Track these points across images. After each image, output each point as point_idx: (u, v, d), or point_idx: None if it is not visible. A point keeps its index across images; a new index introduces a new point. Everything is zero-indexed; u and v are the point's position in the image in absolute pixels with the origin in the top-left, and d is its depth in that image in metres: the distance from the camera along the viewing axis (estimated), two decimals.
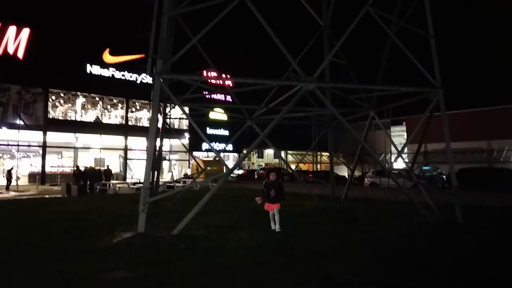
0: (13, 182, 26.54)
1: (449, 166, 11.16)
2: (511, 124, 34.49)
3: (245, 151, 9.98)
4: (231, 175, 36.21)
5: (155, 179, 14.39)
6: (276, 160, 49.19)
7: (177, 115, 32.75)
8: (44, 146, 31.34)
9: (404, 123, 45.33)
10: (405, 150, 34.40)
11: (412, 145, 30.94)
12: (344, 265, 5.77)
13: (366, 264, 5.91)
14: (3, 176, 29.85)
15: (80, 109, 34.81)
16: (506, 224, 9.95)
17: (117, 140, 35.55)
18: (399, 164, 29.04)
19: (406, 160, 15.64)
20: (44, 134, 31.20)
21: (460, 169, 19.92)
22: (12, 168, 27.01)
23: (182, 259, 6.24)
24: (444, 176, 23.76)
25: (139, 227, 7.87)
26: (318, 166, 45.30)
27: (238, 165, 11.09)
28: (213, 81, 25.06)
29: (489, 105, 38.82)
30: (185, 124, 39.97)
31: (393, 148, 33.05)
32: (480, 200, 13.80)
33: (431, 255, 6.51)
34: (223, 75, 20.04)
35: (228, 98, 38.41)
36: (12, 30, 29.44)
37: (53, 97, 33.56)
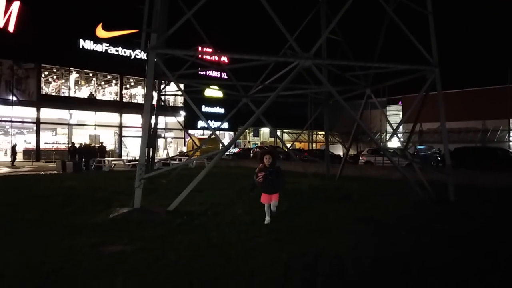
0: (8, 159, 26.53)
1: (444, 145, 11.23)
2: (506, 104, 34.59)
3: (240, 129, 9.93)
4: (227, 153, 36.40)
5: (150, 157, 14.41)
6: (272, 139, 49.25)
7: (172, 92, 32.50)
8: (38, 122, 31.10)
9: (400, 102, 45.35)
10: (400, 130, 34.56)
11: (407, 125, 31.07)
12: (338, 240, 5.86)
13: (359, 239, 6.01)
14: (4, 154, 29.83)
15: (73, 85, 34.40)
16: (496, 202, 10.11)
17: (112, 117, 35.32)
18: (394, 143, 29.18)
19: (401, 139, 15.73)
20: (38, 110, 30.90)
21: (454, 148, 20.08)
22: (15, 145, 27.08)
23: (177, 233, 6.31)
24: (438, 155, 23.94)
25: (135, 203, 7.92)
26: (314, 145, 45.46)
27: (233, 143, 11.05)
28: (208, 58, 24.75)
29: (485, 85, 38.84)
30: (180, 101, 39.74)
31: (388, 128, 33.14)
32: (473, 179, 13.96)
33: (423, 231, 6.63)
34: (219, 51, 19.76)
35: (224, 75, 38.09)
36: (2, 2, 28.70)
37: (46, 73, 33.09)
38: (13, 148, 26.46)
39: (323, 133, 22.60)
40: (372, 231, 6.68)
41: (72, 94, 33.91)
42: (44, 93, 32.19)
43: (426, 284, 4.14)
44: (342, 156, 23.73)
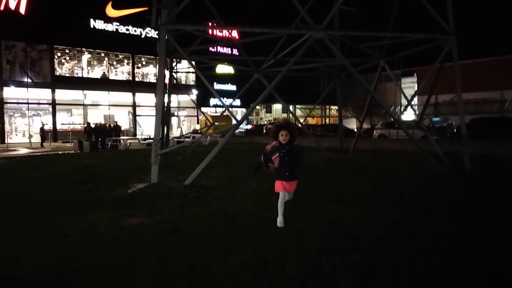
0: (25, 140, 27.26)
1: (459, 115, 11.06)
2: None
3: (252, 105, 9.93)
4: (240, 130, 36.45)
5: (165, 134, 14.58)
6: (285, 115, 49.04)
7: (183, 71, 32.43)
8: (53, 103, 31.56)
9: (415, 74, 44.35)
10: (415, 102, 33.98)
11: (422, 97, 30.49)
12: (352, 209, 5.93)
13: (372, 208, 6.07)
14: (16, 135, 30.55)
15: (86, 66, 34.62)
16: (510, 171, 10.00)
17: (125, 97, 35.60)
18: (409, 116, 28.79)
19: (416, 112, 15.50)
20: (53, 91, 31.31)
21: (471, 119, 19.74)
22: (43, 125, 27.79)
23: (194, 206, 6.46)
24: (454, 128, 23.57)
25: (152, 178, 8.09)
26: (327, 120, 45.15)
27: (245, 118, 11.07)
28: (219, 34, 24.48)
29: (502, 54, 37.56)
30: (192, 79, 39.71)
31: (403, 101, 32.63)
32: (489, 149, 13.78)
33: (437, 199, 6.65)
34: (230, 26, 19.53)
35: (235, 52, 37.75)
36: None
37: (59, 54, 33.31)
38: (42, 128, 27.28)
39: (336, 107, 22.35)
40: (387, 199, 6.72)
41: (85, 75, 34.18)
42: (58, 74, 32.51)
43: (440, 248, 4.20)
44: (356, 130, 23.57)
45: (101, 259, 4.00)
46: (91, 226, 5.29)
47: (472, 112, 28.91)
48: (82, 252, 4.26)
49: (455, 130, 22.16)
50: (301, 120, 17.61)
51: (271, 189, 7.45)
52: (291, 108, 44.65)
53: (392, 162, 12.33)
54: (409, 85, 45.06)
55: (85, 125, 26.34)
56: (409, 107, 12.09)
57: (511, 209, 6.00)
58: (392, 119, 24.51)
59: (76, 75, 33.91)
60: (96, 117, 32.19)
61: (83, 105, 33.78)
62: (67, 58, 34.24)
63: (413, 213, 5.70)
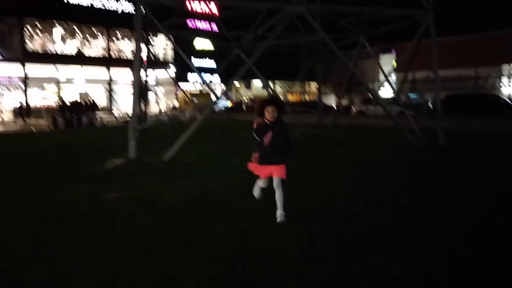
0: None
1: (435, 92, 11.28)
2: (498, 51, 34.28)
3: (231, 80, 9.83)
4: (221, 107, 36.14)
5: (142, 110, 14.33)
6: (264, 91, 48.85)
7: (161, 47, 31.69)
8: (25, 79, 30.39)
9: (393, 51, 44.65)
10: (393, 79, 34.35)
11: (401, 74, 30.79)
12: (330, 182, 6.05)
13: (350, 181, 6.21)
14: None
15: (59, 40, 33.30)
16: (484, 145, 10.34)
17: (101, 73, 34.60)
18: (387, 92, 29.16)
19: (394, 88, 15.71)
20: (24, 67, 30.10)
21: (446, 95, 20.17)
22: (21, 104, 27.05)
23: (173, 181, 6.45)
24: (431, 104, 24.07)
25: (130, 154, 7.98)
26: (306, 97, 45.26)
27: (224, 94, 10.94)
28: (198, 10, 23.89)
29: (477, 31, 38.11)
30: (170, 55, 38.85)
31: (382, 77, 32.93)
32: (464, 125, 14.17)
33: (412, 172, 6.85)
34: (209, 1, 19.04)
35: (215, 28, 37.03)
36: None
37: (29, 28, 31.85)
38: (21, 106, 26.58)
39: (316, 84, 22.38)
40: (364, 173, 6.88)
41: (58, 50, 32.92)
42: (29, 49, 31.18)
43: (415, 216, 4.36)
44: (334, 106, 23.75)
45: (80, 232, 3.98)
46: (69, 201, 5.22)
47: (448, 89, 29.46)
48: (60, 225, 4.22)
49: (431, 106, 22.65)
50: (281, 97, 17.61)
51: None
52: (271, 84, 44.44)
53: (369, 138, 12.55)
54: (388, 62, 45.39)
55: (59, 102, 25.58)
56: (387, 83, 12.22)
57: (479, 180, 6.24)
58: (370, 96, 24.80)
59: (48, 50, 32.62)
60: (70, 94, 31.23)
61: (57, 81, 32.68)
62: (38, 32, 32.79)
63: (388, 186, 5.86)
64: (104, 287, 2.81)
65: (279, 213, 4.20)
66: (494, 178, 6.39)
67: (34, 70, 30.86)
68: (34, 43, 32.59)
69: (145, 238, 3.78)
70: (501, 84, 36.76)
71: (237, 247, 3.50)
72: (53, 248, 3.57)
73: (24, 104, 28.25)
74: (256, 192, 4.74)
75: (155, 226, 4.13)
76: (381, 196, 5.26)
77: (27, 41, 31.17)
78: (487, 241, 3.60)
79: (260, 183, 4.62)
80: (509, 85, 36.10)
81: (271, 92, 22.79)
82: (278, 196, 4.24)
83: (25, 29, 30.85)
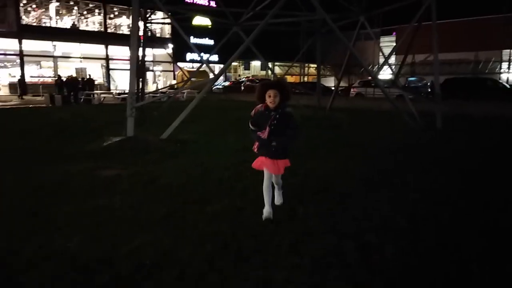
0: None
1: (434, 75, 11.24)
2: (499, 35, 34.00)
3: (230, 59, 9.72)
4: (218, 86, 35.86)
5: (140, 88, 14.23)
6: (263, 72, 48.46)
7: (159, 25, 31.13)
8: (21, 54, 29.98)
9: (394, 33, 44.21)
10: (393, 61, 34.11)
11: (400, 57, 30.60)
12: (326, 162, 6.09)
13: (346, 161, 6.25)
14: None
15: (54, 15, 32.71)
16: (481, 129, 10.39)
17: (98, 49, 34.13)
18: (386, 75, 29.03)
19: (393, 70, 15.64)
20: (20, 42, 29.63)
21: (445, 79, 20.09)
22: (19, 80, 26.84)
23: (171, 159, 6.47)
24: (429, 87, 24.00)
25: (127, 132, 7.98)
26: (306, 78, 44.95)
27: (223, 72, 10.87)
28: None
29: (478, 15, 37.70)
30: (167, 32, 38.30)
31: (381, 60, 32.68)
32: (462, 109, 14.17)
33: (408, 155, 6.89)
34: None
35: (212, 3, 36.44)
36: None
37: (25, 1, 31.23)
38: (20, 81, 26.44)
39: (315, 66, 22.19)
40: (360, 154, 6.92)
41: (54, 25, 32.37)
42: (24, 23, 30.64)
43: (409, 196, 4.42)
44: (333, 88, 23.65)
45: (77, 208, 4.01)
46: (66, 176, 5.24)
47: (447, 72, 29.34)
48: (58, 200, 4.25)
49: (429, 90, 22.58)
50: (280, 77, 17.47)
51: (247, 144, 7.48)
52: (270, 65, 44.05)
53: (367, 120, 12.56)
54: (388, 44, 44.98)
55: (56, 78, 25.33)
56: (387, 66, 12.15)
57: (474, 162, 6.30)
58: (369, 78, 24.67)
59: (44, 24, 32.06)
60: (67, 70, 30.87)
61: (53, 56, 32.26)
62: (34, 5, 32.17)
63: (384, 167, 5.91)
64: (102, 262, 2.85)
65: (277, 192, 4.05)
66: (489, 160, 6.45)
67: (30, 45, 30.40)
68: (30, 18, 32.04)
69: (142, 215, 3.83)
70: (501, 69, 36.60)
71: (233, 224, 3.55)
72: (49, 224, 3.61)
73: (22, 79, 27.91)
74: (266, 209, 3.72)
75: (152, 203, 4.17)
76: (376, 177, 5.31)
77: (22, 15, 30.62)
78: (479, 221, 3.67)
79: (265, 186, 3.75)
80: (508, 70, 35.95)
81: (270, 72, 22.63)
82: (277, 185, 3.99)
83: (20, 3, 30.25)
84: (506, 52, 35.57)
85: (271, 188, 3.78)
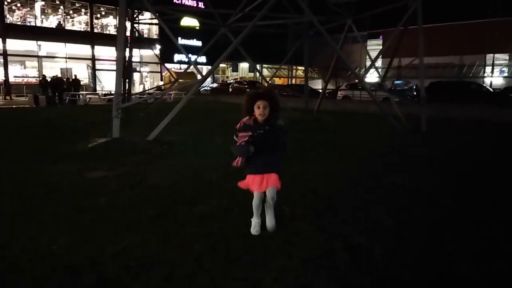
0: None
1: (420, 78, 11.42)
2: (483, 40, 34.72)
3: (218, 60, 9.70)
4: (206, 88, 35.75)
5: (126, 89, 14.10)
6: (251, 74, 48.52)
7: (146, 21, 30.92)
8: (4, 54, 29.42)
9: (381, 36, 44.77)
10: (379, 64, 34.54)
11: (386, 60, 31.00)
12: (314, 165, 6.12)
13: (333, 164, 6.30)
14: None
15: (40, 14, 32.21)
16: (464, 131, 10.58)
17: (83, 49, 33.73)
18: (372, 78, 29.36)
19: (380, 73, 15.85)
20: (3, 41, 29.10)
21: (430, 82, 20.42)
22: (5, 80, 26.22)
23: (158, 160, 6.43)
24: (415, 91, 24.35)
25: (113, 132, 7.89)
26: (293, 81, 45.20)
27: (210, 73, 10.85)
28: None
29: (463, 20, 38.49)
30: (155, 33, 38.08)
31: (368, 63, 33.04)
32: (446, 112, 14.42)
33: (394, 156, 6.98)
34: None
35: (201, 5, 36.36)
36: None
37: (9, 0, 30.71)
38: (5, 82, 25.97)
39: (303, 68, 22.31)
40: (348, 156, 6.98)
41: (39, 24, 31.88)
42: (8, 22, 30.10)
43: (396, 196, 4.47)
44: (321, 91, 23.81)
45: (63, 209, 3.95)
46: (51, 178, 5.16)
47: (432, 76, 29.84)
48: (44, 202, 4.17)
49: (415, 93, 22.91)
50: (268, 79, 17.53)
51: None
52: (258, 67, 44.13)
53: (354, 123, 12.68)
54: (375, 47, 45.53)
55: (41, 78, 24.92)
56: (373, 69, 12.29)
57: (458, 163, 6.41)
58: (356, 80, 24.93)
59: (29, 24, 31.54)
60: (52, 70, 30.44)
61: (38, 56, 31.74)
62: (18, 4, 31.63)
63: (372, 169, 5.97)
64: (88, 263, 2.81)
65: (270, 217, 3.44)
66: (472, 161, 6.57)
67: (14, 44, 29.88)
68: (14, 17, 31.50)
69: (129, 216, 3.79)
70: (484, 73, 37.37)
71: (222, 225, 3.54)
72: (35, 225, 3.54)
73: (7, 80, 27.41)
74: (254, 221, 3.47)
75: (140, 204, 4.13)
76: (363, 177, 5.36)
77: (6, 14, 30.09)
78: (468, 221, 3.73)
79: (254, 201, 3.45)
80: (492, 74, 36.73)
81: (258, 74, 22.68)
82: (270, 202, 3.39)
83: (5, 2, 29.72)
84: (490, 57, 36.37)
85: (260, 204, 3.46)
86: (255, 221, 3.45)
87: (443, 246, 3.19)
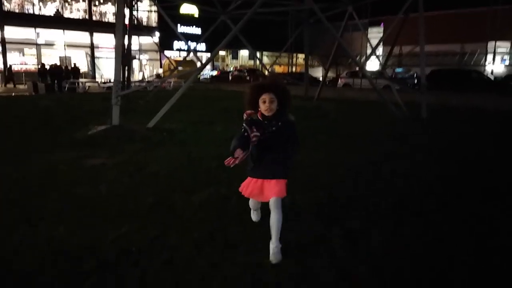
0: None
1: (420, 66, 11.35)
2: (485, 27, 34.40)
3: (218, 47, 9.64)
4: (206, 76, 35.59)
5: (126, 76, 14.03)
6: (251, 62, 48.20)
7: (145, 12, 30.66)
8: (3, 42, 29.20)
9: (382, 24, 44.34)
10: (380, 52, 34.29)
11: (387, 48, 30.80)
12: (313, 153, 6.12)
13: (333, 151, 6.30)
14: None
15: (37, 1, 31.87)
16: (464, 119, 10.56)
17: (82, 37, 33.45)
18: (373, 66, 29.18)
19: (381, 61, 15.76)
20: (1, 29, 28.84)
21: (431, 70, 20.30)
22: (11, 66, 26.06)
23: (158, 148, 6.43)
24: (415, 78, 24.24)
25: (113, 120, 7.88)
26: (294, 68, 44.93)
27: (210, 61, 10.80)
28: None
29: (465, 7, 38.08)
30: (154, 20, 37.73)
31: (369, 51, 32.83)
32: (447, 100, 14.37)
33: (394, 143, 6.98)
34: None
35: None
36: None
37: None
38: (9, 69, 25.71)
39: (303, 56, 22.14)
40: (348, 144, 6.98)
41: (37, 11, 31.55)
42: (6, 10, 29.79)
43: (395, 183, 4.49)
44: (321, 78, 23.70)
45: (63, 196, 3.96)
46: (51, 166, 5.16)
47: (433, 64, 29.63)
48: (43, 189, 4.18)
49: (416, 81, 22.81)
50: (268, 67, 17.45)
51: (235, 133, 7.52)
52: (258, 55, 43.88)
53: (354, 110, 12.64)
54: (376, 35, 45.11)
55: (39, 66, 24.78)
56: (374, 57, 12.21)
57: (457, 150, 6.41)
58: (357, 68, 24.81)
59: (27, 11, 31.22)
60: (51, 58, 30.23)
61: (36, 44, 31.51)
62: None
63: (372, 156, 5.97)
64: (89, 249, 2.83)
65: (273, 247, 2.72)
66: (473, 149, 6.57)
67: (12, 32, 29.64)
68: (12, 4, 31.15)
69: (128, 203, 3.80)
70: (486, 61, 37.11)
71: (220, 213, 3.55)
72: (35, 212, 3.55)
73: (12, 67, 27.22)
74: (254, 217, 3.32)
75: (139, 192, 4.14)
76: (363, 165, 5.37)
77: (4, 1, 29.77)
78: (468, 209, 3.75)
79: (252, 211, 3.26)
80: (493, 62, 36.48)
81: (259, 62, 22.51)
82: (274, 220, 2.73)
83: None
84: (491, 45, 36.06)
85: (259, 213, 3.27)
86: (253, 212, 3.30)
87: (442, 234, 3.21)
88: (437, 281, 2.51)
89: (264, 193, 2.83)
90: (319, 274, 2.57)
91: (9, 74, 25.17)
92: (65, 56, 32.58)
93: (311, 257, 2.77)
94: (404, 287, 2.47)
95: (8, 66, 26.17)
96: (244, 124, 2.76)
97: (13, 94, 19.15)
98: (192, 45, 35.85)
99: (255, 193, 2.90)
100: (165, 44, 35.58)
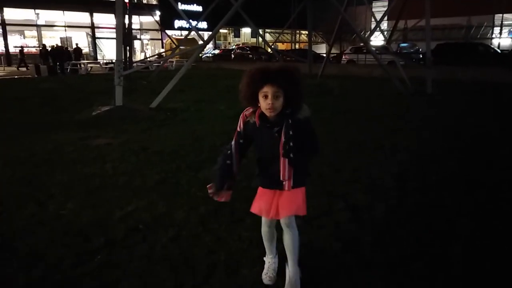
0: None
1: (426, 40, 11.16)
2: (491, 0, 33.53)
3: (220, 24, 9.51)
4: (208, 55, 35.24)
5: (128, 56, 13.94)
6: (254, 40, 47.56)
7: None
8: (3, 24, 28.96)
9: None
10: (385, 27, 33.67)
11: (392, 22, 30.19)
12: (317, 128, 6.09)
13: (336, 127, 6.29)
14: None
15: None
16: (470, 94, 10.45)
17: (82, 17, 33.10)
18: (378, 41, 28.70)
19: (385, 36, 15.48)
20: (1, 10, 28.56)
21: (436, 44, 19.95)
22: (22, 48, 25.88)
23: (162, 127, 6.45)
24: (421, 53, 23.84)
25: (116, 100, 7.88)
26: (297, 45, 44.35)
27: (211, 39, 10.68)
28: None
29: None
30: None
31: (373, 26, 32.23)
32: (452, 74, 14.19)
33: (397, 119, 6.95)
34: None
35: None
36: None
37: None
38: (21, 51, 25.52)
39: (306, 32, 21.81)
40: (352, 120, 6.96)
41: None
42: None
43: (397, 158, 4.50)
44: (325, 55, 23.39)
45: (70, 176, 4.01)
46: (57, 146, 5.21)
47: (439, 38, 29.11)
48: (50, 169, 4.23)
49: (421, 56, 22.44)
50: (271, 44, 17.22)
51: (238, 111, 7.49)
52: (260, 32, 43.20)
53: (358, 86, 12.54)
54: (380, 9, 44.19)
55: (41, 48, 24.62)
56: (379, 31, 11.99)
57: (461, 126, 6.38)
58: (361, 44, 24.44)
59: None
60: (52, 39, 30.01)
61: (36, 25, 31.24)
62: None
63: (375, 131, 5.96)
64: (97, 227, 2.88)
65: (291, 274, 2.14)
66: (478, 124, 6.53)
67: (12, 13, 29.36)
68: None
69: (135, 181, 3.84)
70: (492, 34, 36.38)
71: None
72: (42, 191, 3.61)
73: (23, 49, 27.12)
74: (267, 266, 2.34)
75: (145, 170, 4.18)
76: (367, 140, 5.37)
77: None
78: (467, 180, 3.76)
79: (264, 231, 2.32)
80: (500, 35, 35.76)
81: (261, 40, 22.18)
82: (289, 240, 2.16)
83: None
84: (498, 17, 35.25)
85: (273, 233, 2.31)
86: (267, 261, 2.34)
87: (443, 204, 3.23)
88: (439, 245, 2.54)
89: (273, 208, 2.11)
90: (324, 245, 2.61)
91: (21, 57, 25.00)
92: (66, 37, 32.34)
93: (315, 228, 2.81)
94: (407, 252, 2.51)
95: (20, 48, 25.98)
96: (238, 129, 2.09)
97: (15, 76, 19.10)
98: (194, 23, 35.40)
99: (267, 208, 2.12)
100: (166, 23, 35.09)
